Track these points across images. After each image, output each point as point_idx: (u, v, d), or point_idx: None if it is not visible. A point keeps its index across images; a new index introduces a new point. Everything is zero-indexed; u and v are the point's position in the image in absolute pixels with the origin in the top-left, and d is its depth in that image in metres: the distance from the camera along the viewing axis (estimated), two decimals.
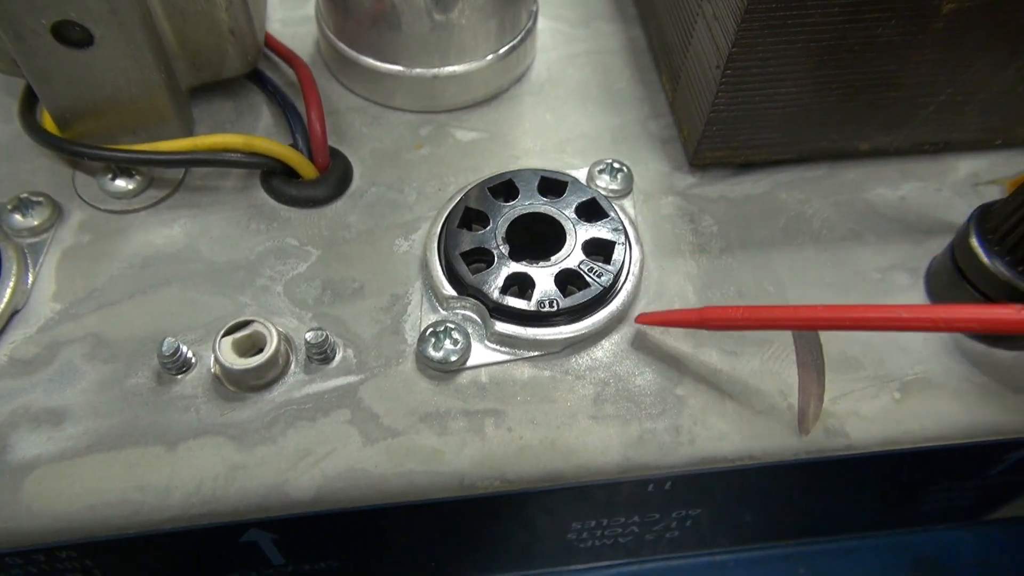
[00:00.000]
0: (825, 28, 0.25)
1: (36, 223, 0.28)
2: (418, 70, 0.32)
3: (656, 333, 0.27)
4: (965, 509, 0.34)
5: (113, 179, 0.29)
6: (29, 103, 0.29)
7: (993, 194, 0.31)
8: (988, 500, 0.34)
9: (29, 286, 0.27)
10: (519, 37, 0.33)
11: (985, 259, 0.25)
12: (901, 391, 0.26)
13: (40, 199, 0.29)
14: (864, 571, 0.36)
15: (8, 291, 0.26)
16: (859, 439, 0.25)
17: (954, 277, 0.26)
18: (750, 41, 0.26)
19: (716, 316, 0.24)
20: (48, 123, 0.29)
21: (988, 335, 0.27)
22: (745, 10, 0.24)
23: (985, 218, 0.26)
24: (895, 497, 0.32)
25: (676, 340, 0.27)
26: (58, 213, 0.29)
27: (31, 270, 0.27)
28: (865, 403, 0.25)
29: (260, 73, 0.33)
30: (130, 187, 0.29)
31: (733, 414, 0.25)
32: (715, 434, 0.25)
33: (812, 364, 0.26)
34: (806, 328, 0.25)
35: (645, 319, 0.26)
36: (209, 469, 0.24)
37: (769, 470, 0.26)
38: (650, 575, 0.35)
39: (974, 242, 0.25)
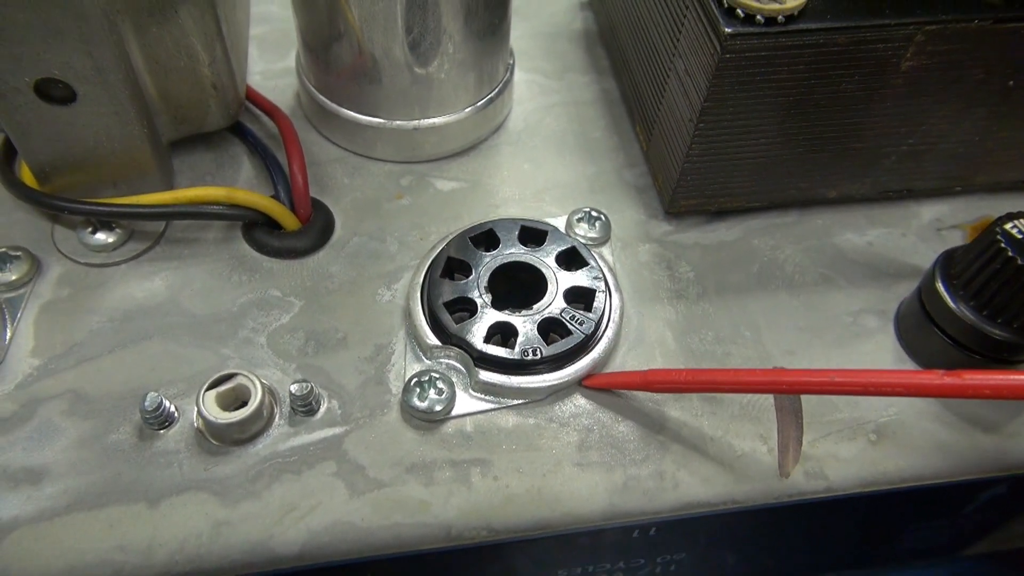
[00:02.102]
0: (792, 84, 0.27)
1: (14, 277, 0.28)
2: (398, 122, 0.32)
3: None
4: (942, 546, 0.35)
5: (93, 232, 0.29)
6: (8, 157, 0.29)
7: (956, 238, 0.32)
8: (964, 537, 0.34)
9: (7, 342, 0.27)
10: (496, 89, 0.34)
11: (951, 304, 0.26)
12: (876, 433, 0.26)
13: (18, 253, 0.28)
14: None
15: None
16: (838, 481, 0.25)
17: (922, 320, 0.27)
18: (721, 96, 0.27)
19: (659, 379, 0.24)
20: (27, 176, 0.29)
21: None
22: (716, 67, 0.26)
23: (949, 264, 0.27)
24: (874, 537, 0.33)
25: None
26: (36, 267, 0.29)
27: (8, 325, 0.27)
28: (842, 445, 0.26)
29: (241, 125, 0.33)
30: (110, 240, 0.29)
31: (715, 458, 0.25)
32: (698, 479, 0.25)
33: (790, 408, 0.26)
34: (744, 391, 0.25)
35: (592, 382, 0.27)
36: (193, 526, 0.23)
37: (751, 513, 0.26)
38: None
39: (940, 287, 0.26)
